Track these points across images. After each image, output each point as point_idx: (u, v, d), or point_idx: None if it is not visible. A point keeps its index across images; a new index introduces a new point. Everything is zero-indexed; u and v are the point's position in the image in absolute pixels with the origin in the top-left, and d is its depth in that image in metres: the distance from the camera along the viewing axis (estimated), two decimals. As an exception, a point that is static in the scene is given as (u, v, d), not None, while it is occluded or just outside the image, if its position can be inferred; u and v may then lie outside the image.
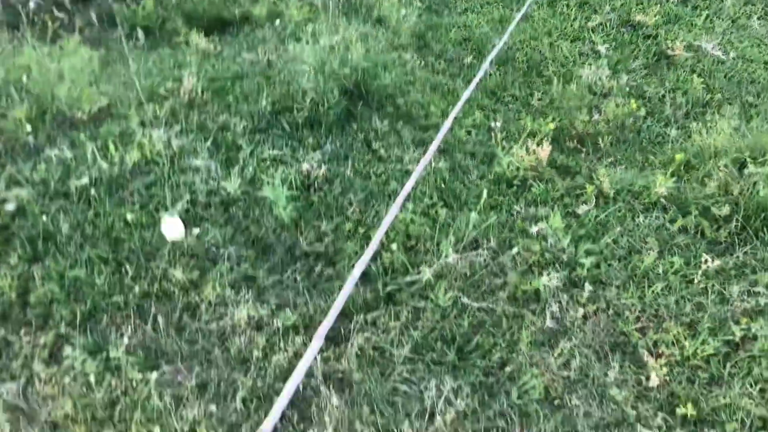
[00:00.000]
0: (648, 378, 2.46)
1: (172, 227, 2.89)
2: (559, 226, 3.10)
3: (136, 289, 2.62)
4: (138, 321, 2.51)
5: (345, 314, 2.62)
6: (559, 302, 2.74)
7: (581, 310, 2.69)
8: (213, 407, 2.25)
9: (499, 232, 3.09)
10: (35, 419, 2.18)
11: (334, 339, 2.53)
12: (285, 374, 2.36)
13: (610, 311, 2.73)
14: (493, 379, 2.43)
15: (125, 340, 2.41)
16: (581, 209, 3.32)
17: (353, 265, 2.79)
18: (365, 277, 2.80)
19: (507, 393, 2.39)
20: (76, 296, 2.58)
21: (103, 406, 2.22)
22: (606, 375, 2.49)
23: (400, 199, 3.19)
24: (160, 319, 2.51)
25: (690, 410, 2.32)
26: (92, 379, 2.25)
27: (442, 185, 3.44)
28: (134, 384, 2.28)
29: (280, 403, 2.24)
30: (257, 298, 2.66)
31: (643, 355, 2.55)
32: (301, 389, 2.32)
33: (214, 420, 2.22)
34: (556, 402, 2.38)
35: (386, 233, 3.00)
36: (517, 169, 3.58)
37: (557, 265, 2.90)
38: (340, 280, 2.77)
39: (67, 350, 2.34)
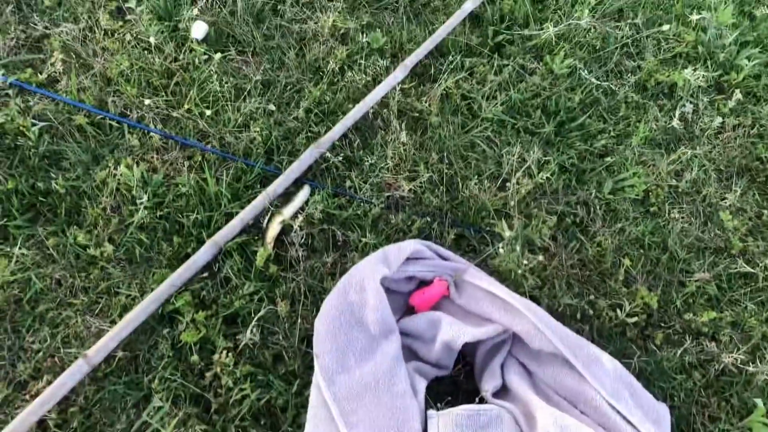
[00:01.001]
0: (772, 214, 2.06)
1: None
2: (726, 21, 2.50)
3: (221, -37, 2.32)
4: (215, 0, 2.24)
5: (441, 53, 2.26)
6: (696, 104, 2.26)
7: (718, 120, 2.21)
8: (272, 107, 2.03)
9: (650, 10, 2.53)
10: (89, 67, 2.04)
11: (421, 75, 2.20)
12: (357, 96, 2.09)
13: (754, 131, 2.24)
14: (589, 166, 2.08)
15: (195, 12, 2.15)
16: (761, 12, 2.67)
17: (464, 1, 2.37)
18: (476, 19, 2.38)
19: (599, 184, 2.05)
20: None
21: (159, 73, 2.04)
22: (723, 198, 2.10)
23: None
24: (239, 2, 2.23)
25: (810, 261, 1.94)
26: (153, 41, 2.05)
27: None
28: (197, 61, 2.07)
29: (345, 122, 1.99)
30: (349, 11, 2.32)
31: (775, 188, 2.12)
32: (370, 116, 2.06)
33: (272, 120, 2.01)
34: (652, 209, 2.04)
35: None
36: (698, -53, 2.88)
37: (708, 64, 2.37)
38: (446, 16, 2.36)
39: (136, 7, 2.12)
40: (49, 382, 1.60)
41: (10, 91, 1.94)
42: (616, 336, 1.80)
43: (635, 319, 1.81)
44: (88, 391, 1.60)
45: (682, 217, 2.03)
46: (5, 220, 1.76)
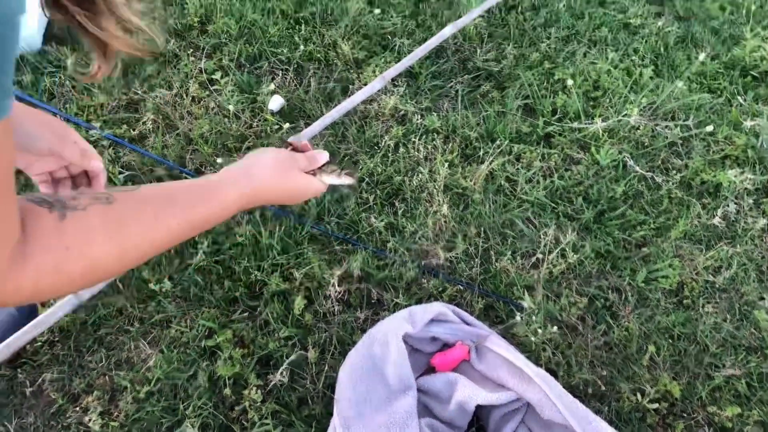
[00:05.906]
0: (812, 318, 2.03)
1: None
2: (781, 129, 2.55)
3: (302, 47, 2.61)
4: (292, 78, 2.51)
5: (492, 137, 2.42)
6: (739, 204, 2.30)
7: (763, 221, 2.24)
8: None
9: (703, 113, 2.61)
10: (175, 128, 2.33)
11: (470, 156, 2.36)
12: (409, 171, 2.27)
13: (800, 235, 2.25)
14: (624, 254, 2.14)
15: (272, 87, 2.43)
16: (820, 122, 2.70)
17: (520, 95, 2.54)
18: (528, 110, 2.54)
19: (633, 272, 2.10)
20: (248, 38, 2.63)
21: (234, 137, 2.30)
22: (761, 298, 2.09)
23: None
24: (312, 82, 2.49)
25: None
26: (232, 109, 2.32)
27: (662, 49, 2.96)
28: (268, 130, 2.33)
29: (322, 121, 2.15)
30: (411, 96, 2.53)
31: (818, 293, 2.10)
32: (416, 185, 2.22)
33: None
34: (685, 302, 2.06)
35: (573, 76, 2.67)
36: (762, 59, 2.96)
37: (756, 168, 2.41)
38: (501, 106, 2.54)
39: (222, 79, 2.42)
40: (99, 398, 1.78)
41: (105, 143, 2.23)
42: (635, 420, 1.81)
43: (656, 405, 1.82)
44: (129, 409, 1.77)
45: (716, 312, 2.04)
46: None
